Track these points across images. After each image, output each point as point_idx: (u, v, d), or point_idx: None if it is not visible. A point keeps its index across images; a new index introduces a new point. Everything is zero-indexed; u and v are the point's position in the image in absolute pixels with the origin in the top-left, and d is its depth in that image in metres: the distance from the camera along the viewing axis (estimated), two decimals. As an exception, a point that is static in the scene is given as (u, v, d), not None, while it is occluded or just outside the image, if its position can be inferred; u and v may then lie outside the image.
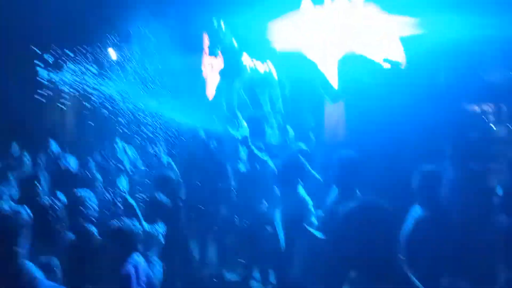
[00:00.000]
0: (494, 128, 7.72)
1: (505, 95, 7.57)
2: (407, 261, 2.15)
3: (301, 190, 4.35)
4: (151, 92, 6.15)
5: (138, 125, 5.75)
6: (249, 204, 5.26)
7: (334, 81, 6.44)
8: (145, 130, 5.78)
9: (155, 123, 5.84)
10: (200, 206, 5.62)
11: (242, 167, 5.57)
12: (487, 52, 7.24)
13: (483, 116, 7.77)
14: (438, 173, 4.32)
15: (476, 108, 7.87)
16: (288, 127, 6.44)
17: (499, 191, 4.61)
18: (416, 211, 4.16)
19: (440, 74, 7.37)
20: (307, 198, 4.30)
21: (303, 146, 5.65)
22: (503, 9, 6.01)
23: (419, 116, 6.54)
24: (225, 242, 5.75)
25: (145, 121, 5.92)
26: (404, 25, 6.74)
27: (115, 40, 6.45)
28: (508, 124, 7.72)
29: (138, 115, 5.83)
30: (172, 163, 5.73)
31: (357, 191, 4.25)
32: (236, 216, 5.61)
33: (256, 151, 5.26)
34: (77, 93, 5.99)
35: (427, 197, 4.13)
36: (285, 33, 6.57)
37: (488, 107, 7.84)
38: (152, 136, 5.81)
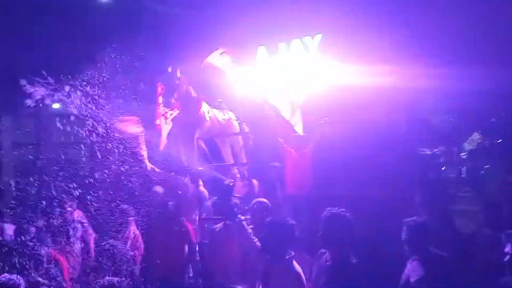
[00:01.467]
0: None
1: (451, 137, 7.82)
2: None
3: (294, 262, 3.75)
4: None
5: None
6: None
7: (298, 128, 6.09)
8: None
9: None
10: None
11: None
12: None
13: (436, 159, 7.89)
14: (421, 223, 4.20)
15: (429, 153, 7.99)
16: (254, 180, 5.92)
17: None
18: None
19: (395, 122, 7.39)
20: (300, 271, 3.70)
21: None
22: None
23: (385, 168, 6.38)
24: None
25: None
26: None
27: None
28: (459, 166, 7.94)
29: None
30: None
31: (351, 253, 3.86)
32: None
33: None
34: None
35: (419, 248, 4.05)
36: (246, 80, 6.20)
37: (439, 150, 8.01)
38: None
